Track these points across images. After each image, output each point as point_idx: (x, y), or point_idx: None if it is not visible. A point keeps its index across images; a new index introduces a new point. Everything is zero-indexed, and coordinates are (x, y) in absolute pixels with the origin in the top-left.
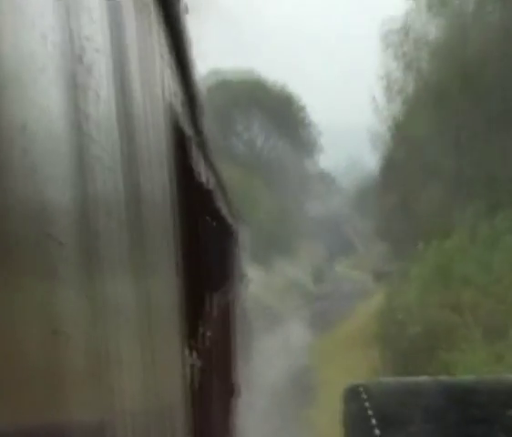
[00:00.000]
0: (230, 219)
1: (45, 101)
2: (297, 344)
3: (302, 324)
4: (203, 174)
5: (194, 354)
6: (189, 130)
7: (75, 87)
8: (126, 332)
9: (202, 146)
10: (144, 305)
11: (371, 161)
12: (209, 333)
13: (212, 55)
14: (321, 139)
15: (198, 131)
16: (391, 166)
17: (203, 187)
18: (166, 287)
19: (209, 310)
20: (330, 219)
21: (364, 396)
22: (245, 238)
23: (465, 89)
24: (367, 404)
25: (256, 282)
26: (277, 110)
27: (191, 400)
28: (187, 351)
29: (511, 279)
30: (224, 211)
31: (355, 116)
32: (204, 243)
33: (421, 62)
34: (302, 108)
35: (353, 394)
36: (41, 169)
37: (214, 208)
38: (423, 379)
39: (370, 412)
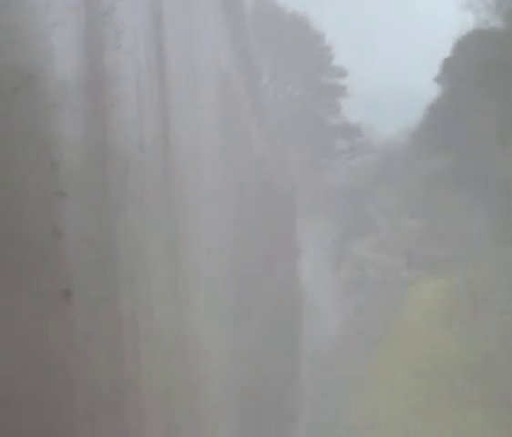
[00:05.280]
0: (288, 191)
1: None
2: None
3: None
4: (259, 143)
5: None
6: (245, 99)
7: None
8: None
9: (258, 113)
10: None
11: (390, 125)
12: None
13: None
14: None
15: (254, 99)
16: (436, 122)
17: (259, 158)
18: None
19: None
20: (349, 189)
21: None
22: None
23: None
24: None
25: None
26: (295, 48)
27: None
28: None
29: None
30: (281, 183)
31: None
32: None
33: None
34: (327, 48)
35: None
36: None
37: (270, 179)
38: None
39: None
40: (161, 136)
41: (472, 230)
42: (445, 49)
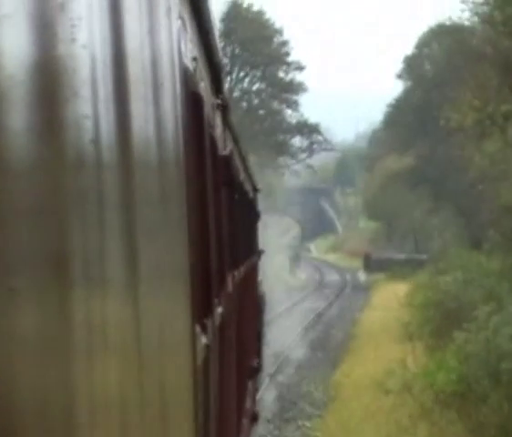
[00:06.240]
0: (250, 190)
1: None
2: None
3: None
4: (223, 141)
5: (209, 334)
6: (208, 96)
7: (56, 41)
8: (118, 307)
9: (222, 110)
10: (141, 279)
11: (350, 124)
12: (227, 312)
13: None
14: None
15: (218, 96)
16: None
17: (223, 155)
18: (171, 263)
19: (230, 290)
20: (306, 190)
21: None
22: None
23: None
24: None
25: None
26: (252, 42)
27: (203, 381)
28: (198, 330)
29: None
30: (244, 180)
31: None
32: (225, 217)
33: None
34: (285, 43)
35: None
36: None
37: (233, 176)
38: None
39: None
40: (118, 131)
41: (433, 233)
42: (407, 46)
